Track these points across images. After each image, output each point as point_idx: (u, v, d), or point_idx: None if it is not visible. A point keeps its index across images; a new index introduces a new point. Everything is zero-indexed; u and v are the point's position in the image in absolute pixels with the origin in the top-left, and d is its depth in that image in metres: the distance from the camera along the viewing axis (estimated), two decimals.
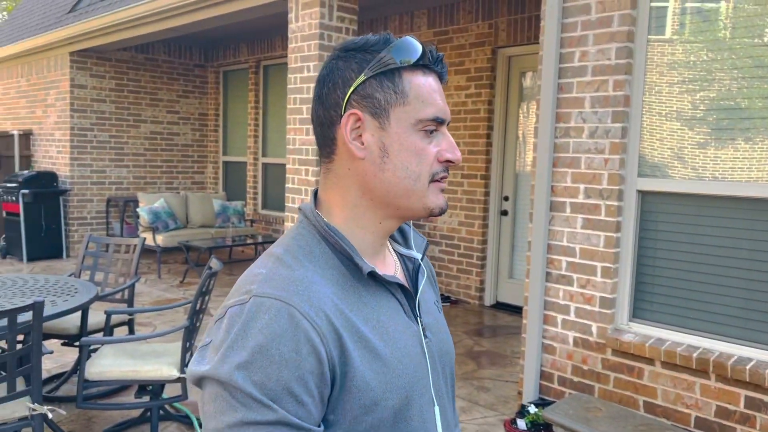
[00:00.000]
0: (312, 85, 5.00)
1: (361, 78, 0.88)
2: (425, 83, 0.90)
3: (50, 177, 8.25)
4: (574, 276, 3.54)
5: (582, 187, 3.49)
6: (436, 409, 0.94)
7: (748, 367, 2.91)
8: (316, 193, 0.97)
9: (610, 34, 3.34)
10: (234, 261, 8.42)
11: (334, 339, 0.81)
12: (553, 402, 3.54)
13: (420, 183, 0.89)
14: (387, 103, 0.88)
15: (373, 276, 0.90)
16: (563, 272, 3.58)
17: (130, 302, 4.05)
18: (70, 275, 4.10)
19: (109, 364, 3.11)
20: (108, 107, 8.74)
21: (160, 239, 7.63)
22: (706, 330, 3.20)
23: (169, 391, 3.64)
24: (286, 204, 5.35)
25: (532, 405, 3.52)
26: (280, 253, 0.88)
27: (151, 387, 3.24)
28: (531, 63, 5.96)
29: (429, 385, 0.93)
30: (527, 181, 6.08)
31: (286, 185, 5.32)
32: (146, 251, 8.60)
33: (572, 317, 3.55)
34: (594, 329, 3.47)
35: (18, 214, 8.02)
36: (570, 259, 3.55)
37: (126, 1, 7.58)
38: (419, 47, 0.90)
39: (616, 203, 3.37)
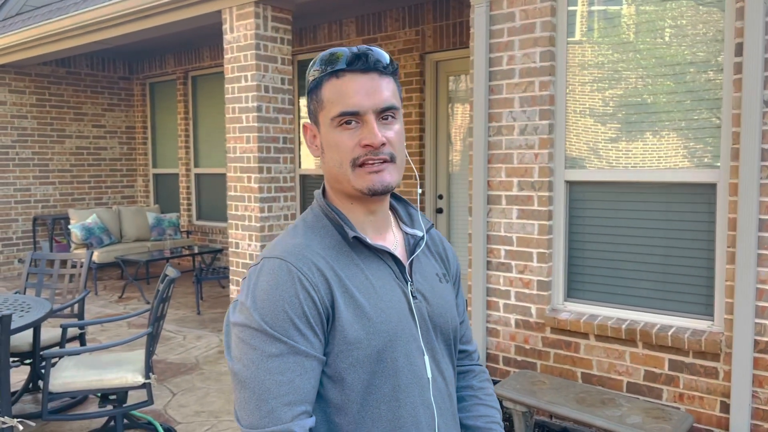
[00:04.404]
0: (250, 94, 5.11)
1: (305, 98, 1.17)
2: (336, 86, 1.08)
3: None
4: (513, 263, 3.82)
5: (515, 180, 3.78)
6: (426, 358, 1.14)
7: (669, 334, 3.26)
8: None
9: (533, 39, 3.65)
10: None
11: (325, 288, 1.04)
12: (500, 381, 3.81)
13: (343, 168, 1.08)
14: (315, 111, 1.12)
15: (361, 242, 1.13)
16: (502, 260, 3.86)
17: (80, 316, 4.05)
18: (15, 293, 4.05)
19: (72, 375, 3.14)
20: (30, 123, 8.49)
21: (96, 255, 7.49)
22: (631, 304, 3.55)
23: (131, 400, 3.67)
24: (228, 212, 5.42)
25: None
26: (291, 227, 1.16)
27: (114, 396, 3.28)
28: (457, 67, 6.28)
29: (417, 337, 1.14)
30: (459, 179, 6.39)
31: (228, 193, 5.40)
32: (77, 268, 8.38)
33: (513, 301, 3.84)
34: (533, 311, 3.76)
35: None
36: (508, 248, 3.83)
37: (46, 15, 7.40)
38: (328, 57, 1.09)
39: (547, 194, 3.68)
